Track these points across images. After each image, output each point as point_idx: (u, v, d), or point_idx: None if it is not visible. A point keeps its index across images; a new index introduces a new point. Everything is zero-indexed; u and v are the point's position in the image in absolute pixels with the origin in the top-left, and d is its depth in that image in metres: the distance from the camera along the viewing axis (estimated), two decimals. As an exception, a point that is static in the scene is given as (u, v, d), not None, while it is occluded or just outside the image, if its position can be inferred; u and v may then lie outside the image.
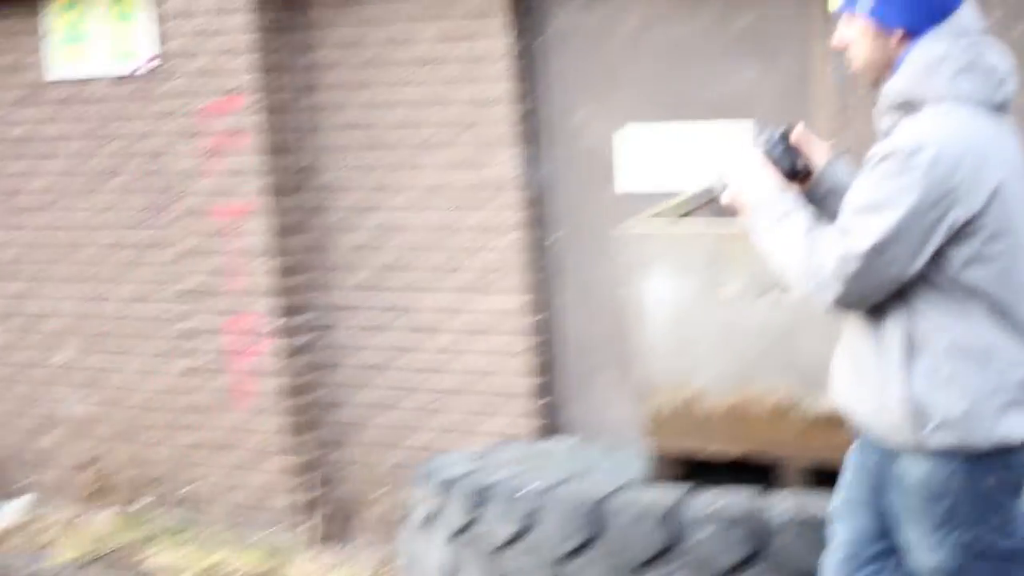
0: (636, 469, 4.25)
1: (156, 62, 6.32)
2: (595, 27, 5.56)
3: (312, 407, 6.20)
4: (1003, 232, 2.85)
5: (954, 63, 2.89)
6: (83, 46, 6.54)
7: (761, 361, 4.04)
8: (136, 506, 6.57)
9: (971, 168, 2.81)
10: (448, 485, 4.23)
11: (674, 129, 5.35)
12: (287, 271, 6.07)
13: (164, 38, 6.18)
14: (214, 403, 6.24)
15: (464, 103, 5.67)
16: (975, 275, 2.86)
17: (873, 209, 2.82)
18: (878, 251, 2.81)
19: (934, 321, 2.88)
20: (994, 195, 2.83)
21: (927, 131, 2.83)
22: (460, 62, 5.65)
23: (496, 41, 5.59)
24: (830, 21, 5.01)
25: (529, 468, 4.36)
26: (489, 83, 5.61)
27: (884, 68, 2.97)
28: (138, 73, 6.40)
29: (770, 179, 3.03)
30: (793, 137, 3.09)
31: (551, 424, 5.77)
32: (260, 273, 6.04)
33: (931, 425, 2.86)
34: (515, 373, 5.78)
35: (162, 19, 6.17)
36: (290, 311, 6.09)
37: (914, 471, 2.90)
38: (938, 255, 2.85)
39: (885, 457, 2.98)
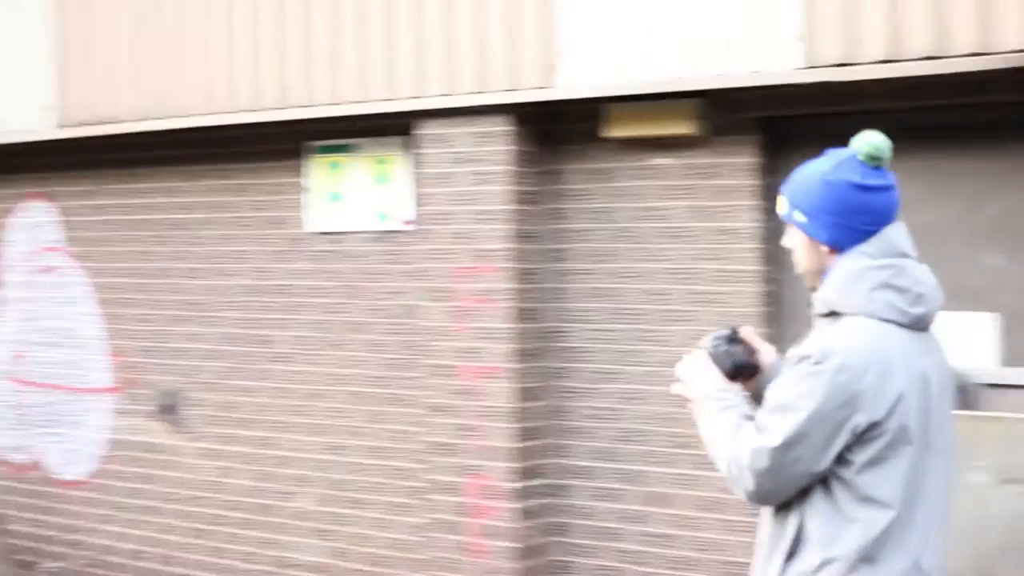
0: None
1: (412, 224, 6.78)
2: (844, 209, 5.79)
3: (543, 571, 6.43)
4: (902, 442, 3.11)
5: (870, 282, 3.20)
6: (342, 205, 7.06)
7: (1006, 554, 4.09)
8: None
9: (875, 377, 3.09)
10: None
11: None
12: (526, 434, 6.38)
13: (421, 201, 6.63)
14: (445, 560, 6.53)
15: (710, 278, 5.96)
16: (871, 480, 3.12)
17: (783, 409, 3.11)
18: (785, 448, 3.10)
19: (821, 523, 3.15)
20: (896, 405, 3.10)
21: (839, 339, 3.14)
22: (708, 237, 5.93)
23: (744, 219, 5.88)
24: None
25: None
26: (735, 259, 5.89)
27: (818, 275, 3.30)
28: (394, 232, 6.87)
29: (712, 377, 3.38)
30: (743, 336, 3.43)
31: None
32: (500, 434, 6.35)
33: None
34: (747, 549, 5.92)
35: (420, 184, 6.63)
36: (526, 473, 6.38)
37: None
38: (840, 457, 3.12)
39: None
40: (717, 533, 6.02)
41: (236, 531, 7.59)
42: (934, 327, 3.28)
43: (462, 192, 6.45)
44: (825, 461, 3.10)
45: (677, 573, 6.11)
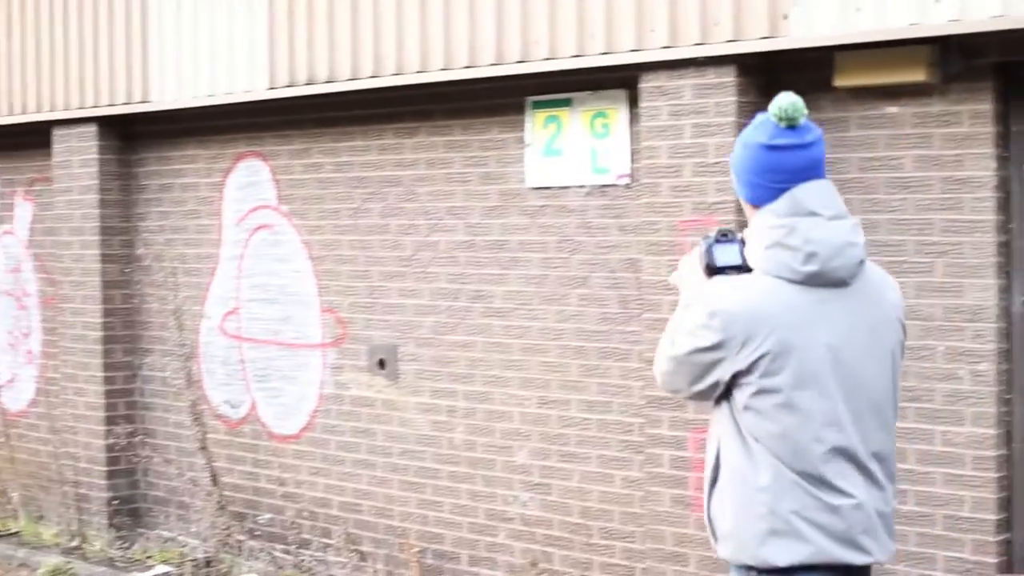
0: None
1: (629, 177, 6.91)
2: (1086, 157, 5.79)
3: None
4: (774, 391, 3.50)
5: (766, 240, 3.56)
6: (559, 159, 7.23)
7: None
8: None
9: (742, 330, 3.50)
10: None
11: None
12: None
13: (640, 155, 6.78)
14: (662, 514, 6.68)
15: (942, 228, 5.99)
16: (748, 420, 3.55)
17: (679, 332, 3.64)
18: (673, 365, 3.66)
19: (730, 450, 3.61)
20: (763, 357, 3.49)
21: (720, 292, 3.57)
22: (941, 187, 5.97)
23: (979, 168, 5.90)
24: None
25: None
26: (969, 209, 5.92)
27: None
28: (611, 187, 7.01)
29: (692, 273, 3.75)
30: (744, 238, 3.71)
31: (1013, 560, 5.90)
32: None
33: (717, 539, 3.68)
34: (976, 506, 5.97)
35: (641, 137, 6.76)
36: (747, 426, 6.46)
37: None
38: (729, 394, 3.58)
39: None
40: (943, 487, 6.06)
41: (450, 484, 7.84)
42: (860, 283, 3.62)
43: (685, 145, 6.57)
44: (696, 388, 3.63)
45: (902, 527, 6.16)
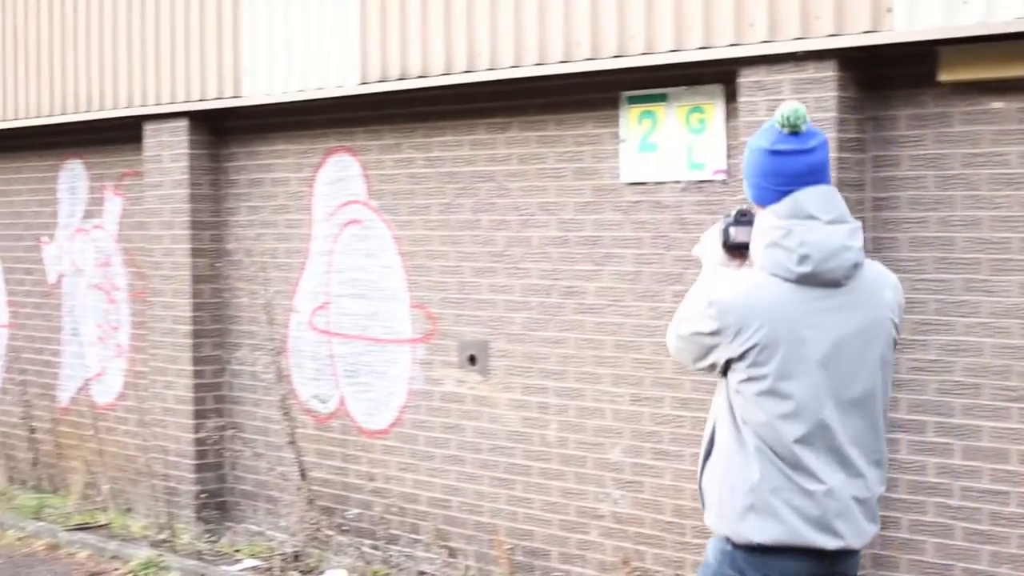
0: None
1: (725, 173, 6.94)
2: None
3: (861, 524, 6.53)
4: (760, 379, 3.76)
5: (765, 238, 3.82)
6: (654, 155, 7.26)
7: None
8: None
9: (735, 320, 3.76)
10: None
11: None
12: (847, 384, 6.46)
13: (737, 150, 6.81)
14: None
15: (1049, 225, 5.96)
16: (738, 403, 3.83)
17: (686, 313, 3.92)
18: (679, 342, 3.95)
19: (723, 428, 3.89)
20: (753, 348, 3.75)
21: (721, 282, 3.86)
22: (1047, 184, 5.95)
23: (1087, 164, 5.86)
24: None
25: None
26: (1077, 206, 5.88)
27: None
28: (706, 182, 7.04)
29: (712, 248, 4.06)
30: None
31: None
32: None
33: (705, 507, 3.97)
34: (1082, 508, 5.94)
35: (737, 132, 6.79)
36: (844, 425, 6.46)
37: (711, 544, 3.97)
38: (725, 375, 3.86)
39: None
40: (1048, 490, 6.05)
41: (540, 481, 7.90)
42: (856, 284, 3.80)
43: (783, 140, 6.56)
44: (699, 366, 3.90)
45: (1008, 530, 6.15)
